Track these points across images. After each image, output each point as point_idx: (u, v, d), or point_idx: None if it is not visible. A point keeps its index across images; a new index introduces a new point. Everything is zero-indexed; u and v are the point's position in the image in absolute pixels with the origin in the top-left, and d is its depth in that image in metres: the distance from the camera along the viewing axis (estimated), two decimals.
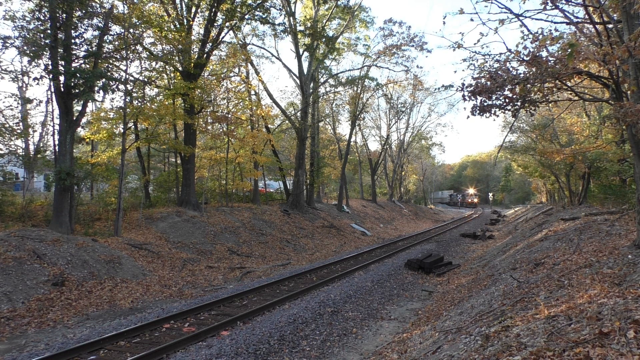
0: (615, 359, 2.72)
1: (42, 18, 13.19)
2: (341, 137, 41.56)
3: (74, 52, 13.68)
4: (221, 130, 23.61)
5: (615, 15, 6.83)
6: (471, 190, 73.91)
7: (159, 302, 9.98)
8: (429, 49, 41.33)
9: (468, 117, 7.52)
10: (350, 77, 30.71)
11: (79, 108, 15.53)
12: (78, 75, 12.76)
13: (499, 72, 6.94)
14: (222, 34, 19.61)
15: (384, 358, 6.25)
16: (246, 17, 19.64)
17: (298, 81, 26.81)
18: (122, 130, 15.76)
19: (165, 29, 17.07)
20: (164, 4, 18.22)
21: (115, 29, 15.36)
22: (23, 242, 10.38)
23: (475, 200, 71.74)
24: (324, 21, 26.81)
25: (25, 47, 12.78)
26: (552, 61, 6.50)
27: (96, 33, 14.22)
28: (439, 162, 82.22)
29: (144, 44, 17.44)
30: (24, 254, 9.88)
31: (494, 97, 7.07)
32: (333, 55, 29.32)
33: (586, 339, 3.14)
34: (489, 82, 6.86)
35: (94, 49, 14.00)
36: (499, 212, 49.89)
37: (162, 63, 18.10)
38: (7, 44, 12.62)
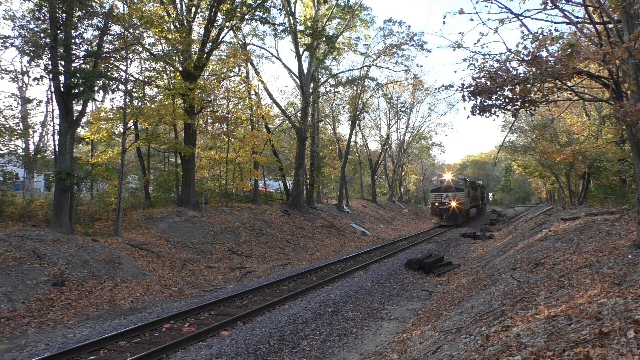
0: (615, 359, 2.72)
1: (42, 18, 13.19)
2: (341, 137, 41.55)
3: (74, 52, 13.68)
4: (221, 130, 23.62)
5: (615, 15, 6.83)
6: (447, 176, 31.83)
7: (159, 302, 9.97)
8: (429, 49, 41.34)
9: (468, 117, 7.52)
10: (350, 77, 30.74)
11: (79, 108, 15.52)
12: (78, 75, 12.75)
13: (499, 72, 6.94)
14: (222, 34, 19.62)
15: (384, 358, 6.24)
16: (246, 17, 19.64)
17: (298, 81, 26.80)
18: (122, 130, 15.75)
19: (165, 29, 17.07)
20: (164, 5, 18.22)
21: (115, 29, 15.37)
22: (23, 242, 10.38)
23: (454, 203, 30.21)
24: (324, 21, 26.80)
25: (25, 47, 12.78)
26: (552, 61, 6.50)
27: (96, 33, 14.22)
28: (439, 162, 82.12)
29: (144, 44, 17.44)
30: (24, 254, 9.87)
31: (494, 97, 7.07)
32: (333, 55, 29.33)
33: (586, 339, 3.14)
34: (488, 82, 6.86)
35: (94, 49, 14.00)
36: (498, 212, 49.85)
37: (162, 63, 18.11)
38: (7, 44, 12.62)
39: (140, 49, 17.06)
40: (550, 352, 3.07)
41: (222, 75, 21.72)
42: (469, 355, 3.93)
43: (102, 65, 14.43)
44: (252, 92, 26.28)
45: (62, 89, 13.22)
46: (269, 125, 28.41)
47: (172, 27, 17.71)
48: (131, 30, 15.11)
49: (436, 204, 30.41)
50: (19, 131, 15.33)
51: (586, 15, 7.08)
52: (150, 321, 7.63)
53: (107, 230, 15.00)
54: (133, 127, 19.63)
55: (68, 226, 13.22)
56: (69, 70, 12.76)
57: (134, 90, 17.88)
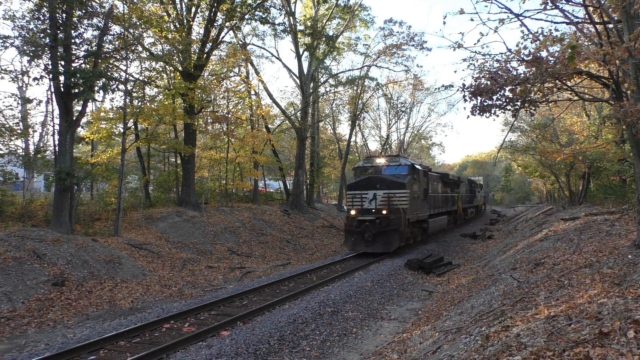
0: (615, 359, 2.72)
1: (42, 18, 13.19)
2: (341, 137, 41.56)
3: (74, 52, 13.69)
4: (221, 130, 23.62)
5: (615, 15, 6.83)
6: (380, 160, 16.72)
7: (159, 302, 9.97)
8: (429, 47, 41.42)
9: (468, 117, 7.51)
10: (350, 77, 30.74)
11: (79, 108, 15.53)
12: (78, 75, 12.76)
13: (499, 72, 6.94)
14: (222, 34, 19.63)
15: (384, 358, 6.24)
16: (246, 17, 19.65)
17: (298, 81, 26.83)
18: (122, 130, 15.77)
19: (165, 29, 17.07)
20: (164, 4, 18.23)
21: (115, 29, 15.38)
22: (23, 242, 10.37)
23: (385, 211, 14.75)
24: (324, 21, 26.83)
25: (25, 47, 12.78)
26: (552, 61, 6.50)
27: (96, 33, 14.22)
28: (439, 162, 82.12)
29: (144, 44, 17.45)
30: (24, 254, 9.87)
31: (494, 98, 7.07)
32: (333, 55, 29.35)
33: (586, 339, 3.14)
34: (489, 82, 6.86)
35: (94, 49, 14.01)
36: (498, 212, 49.84)
37: (162, 63, 18.12)
38: (7, 44, 12.63)
39: (140, 49, 17.07)
40: (550, 352, 3.07)
41: (222, 75, 21.72)
42: (469, 355, 3.93)
43: (102, 65, 14.43)
44: (252, 92, 26.30)
45: (62, 89, 13.22)
46: (269, 125, 28.41)
47: (172, 27, 17.72)
48: (131, 30, 15.11)
49: (352, 213, 15.43)
50: (19, 131, 15.33)
51: (586, 15, 7.09)
52: (150, 321, 7.62)
53: (107, 230, 15.00)
54: (133, 127, 19.63)
55: (68, 226, 13.22)
56: (69, 70, 12.76)
57: (134, 90, 17.89)
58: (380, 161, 16.69)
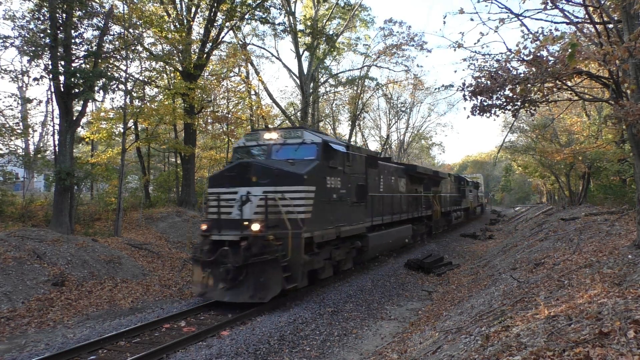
0: (615, 359, 2.72)
1: (42, 18, 13.20)
2: (341, 137, 41.53)
3: (74, 52, 13.69)
4: (221, 130, 23.63)
5: (615, 15, 6.83)
6: (272, 135, 9.59)
7: (159, 302, 9.97)
8: (429, 49, 41.50)
9: (468, 117, 7.52)
10: (350, 77, 30.76)
11: (79, 108, 15.54)
12: (78, 75, 12.76)
13: (499, 71, 6.94)
14: (222, 34, 19.65)
15: (384, 358, 6.24)
16: (246, 17, 19.67)
17: (298, 81, 26.84)
18: (122, 130, 15.78)
19: (165, 29, 17.08)
20: (164, 4, 18.23)
21: (115, 29, 15.39)
22: (23, 242, 10.37)
23: (257, 224, 7.91)
24: (324, 21, 26.86)
25: (25, 47, 12.79)
26: (552, 61, 6.50)
27: (96, 33, 14.23)
28: (439, 162, 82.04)
29: (144, 44, 17.46)
30: (24, 254, 9.87)
31: (494, 97, 7.07)
32: (333, 55, 29.38)
33: (586, 339, 3.14)
34: (489, 82, 6.86)
35: (94, 48, 14.01)
36: (498, 212, 49.80)
37: (162, 63, 18.13)
38: (7, 44, 12.64)
39: (140, 49, 17.08)
40: (550, 352, 3.07)
41: (222, 75, 21.74)
42: (469, 355, 3.93)
43: (102, 65, 14.43)
44: (252, 92, 26.31)
45: (62, 89, 13.22)
46: (269, 125, 28.41)
47: (172, 27, 17.73)
48: (131, 30, 15.12)
49: (203, 227, 8.75)
50: (19, 131, 15.34)
51: (586, 15, 7.09)
52: (150, 321, 7.61)
53: (107, 230, 15.00)
54: (133, 127, 19.63)
55: (68, 226, 13.22)
56: (69, 70, 12.77)
57: (134, 90, 17.89)
58: (271, 137, 9.74)
